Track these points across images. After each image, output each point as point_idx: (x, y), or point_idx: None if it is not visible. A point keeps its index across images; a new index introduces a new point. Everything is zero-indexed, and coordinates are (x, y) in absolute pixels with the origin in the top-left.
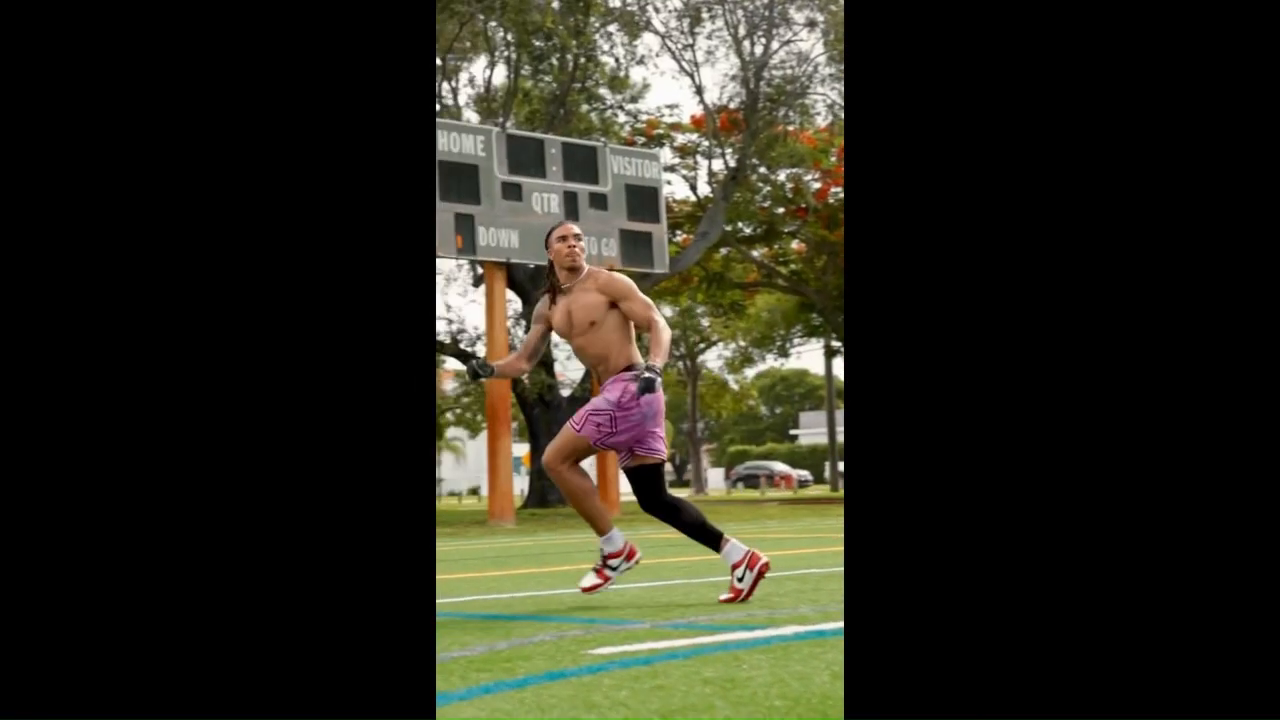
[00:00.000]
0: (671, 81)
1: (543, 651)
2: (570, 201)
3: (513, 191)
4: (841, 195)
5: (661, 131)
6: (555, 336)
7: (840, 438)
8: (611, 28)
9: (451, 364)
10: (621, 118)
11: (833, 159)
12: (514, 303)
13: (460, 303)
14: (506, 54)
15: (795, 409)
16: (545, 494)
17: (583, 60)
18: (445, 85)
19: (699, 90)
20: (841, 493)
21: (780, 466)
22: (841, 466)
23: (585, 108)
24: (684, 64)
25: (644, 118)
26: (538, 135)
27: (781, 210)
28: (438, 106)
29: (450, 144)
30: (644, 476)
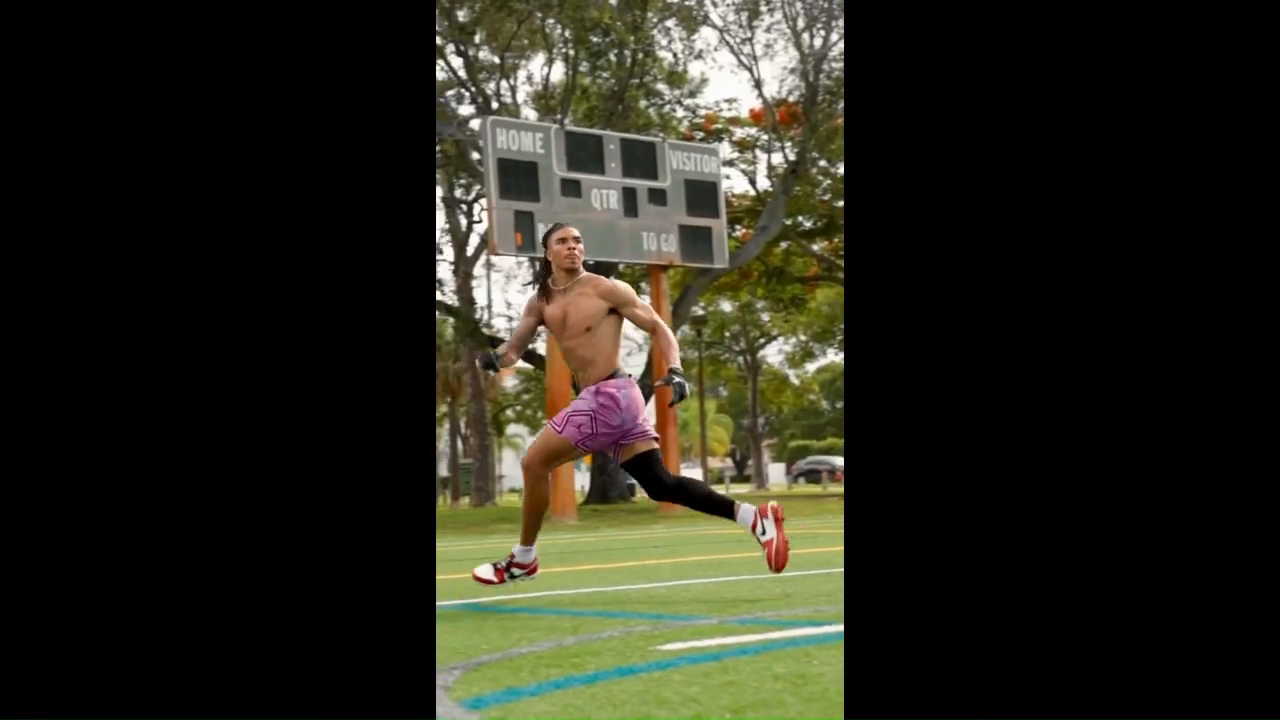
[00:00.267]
0: (730, 75)
1: (611, 647)
2: (629, 197)
3: (572, 188)
4: None
5: (720, 126)
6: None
7: None
8: (669, 22)
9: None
10: (680, 113)
11: None
12: None
13: (520, 299)
14: (564, 51)
15: None
16: (606, 490)
17: (641, 56)
18: (504, 83)
19: (758, 84)
20: None
21: (841, 461)
22: None
23: (643, 103)
24: (742, 58)
25: (702, 112)
26: (596, 132)
27: (841, 203)
28: (495, 105)
29: (509, 142)
30: (642, 464)
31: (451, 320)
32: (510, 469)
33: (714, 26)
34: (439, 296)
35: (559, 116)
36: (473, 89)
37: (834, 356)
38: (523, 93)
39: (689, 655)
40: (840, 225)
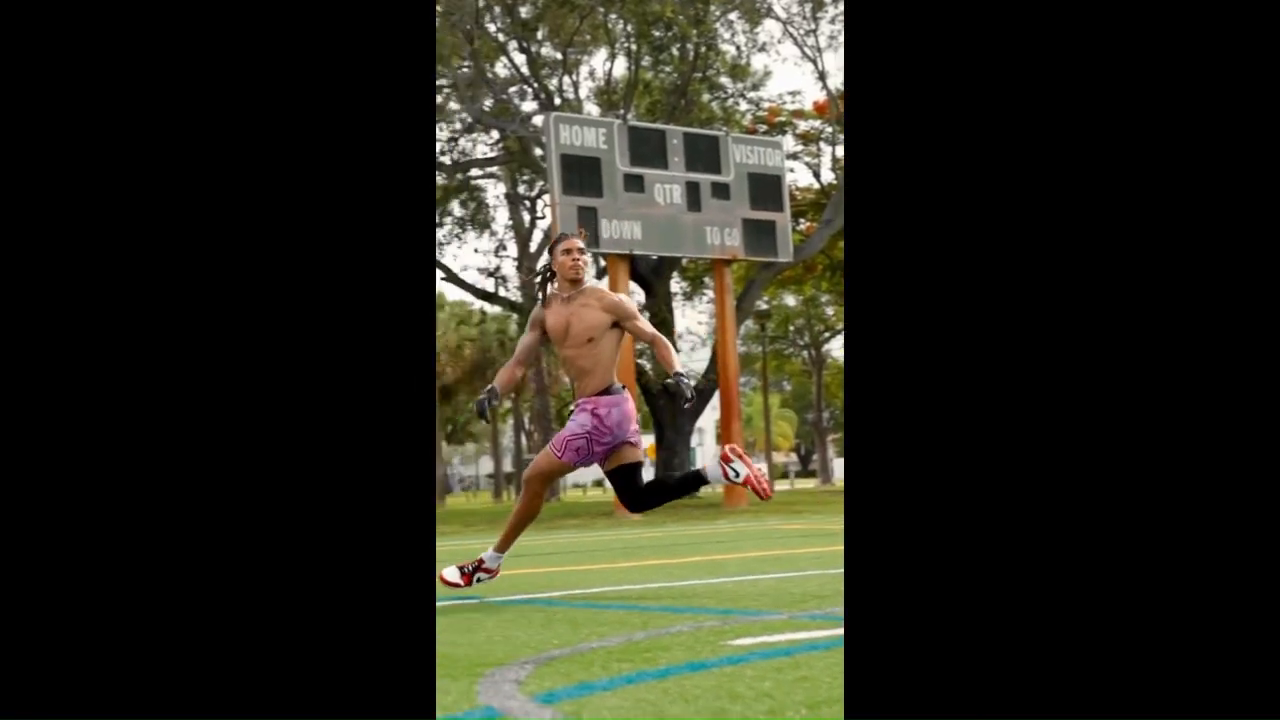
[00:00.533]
0: (793, 68)
1: (681, 642)
2: (692, 191)
3: (635, 183)
4: None
5: (784, 119)
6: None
7: None
8: (732, 15)
9: None
10: (743, 106)
11: None
12: (637, 294)
13: None
14: (626, 45)
15: None
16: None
17: (703, 49)
18: (566, 79)
19: (822, 76)
20: None
21: None
22: None
23: (706, 97)
24: (806, 50)
25: (766, 105)
26: (659, 126)
27: None
28: (558, 101)
29: (572, 137)
30: (626, 475)
31: (514, 317)
32: None
33: (777, 18)
34: (502, 292)
35: (622, 111)
36: (535, 85)
37: None
38: (585, 88)
39: (760, 650)
40: None
